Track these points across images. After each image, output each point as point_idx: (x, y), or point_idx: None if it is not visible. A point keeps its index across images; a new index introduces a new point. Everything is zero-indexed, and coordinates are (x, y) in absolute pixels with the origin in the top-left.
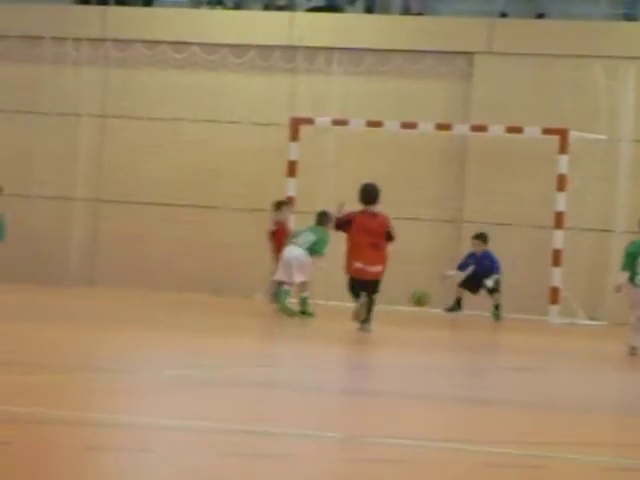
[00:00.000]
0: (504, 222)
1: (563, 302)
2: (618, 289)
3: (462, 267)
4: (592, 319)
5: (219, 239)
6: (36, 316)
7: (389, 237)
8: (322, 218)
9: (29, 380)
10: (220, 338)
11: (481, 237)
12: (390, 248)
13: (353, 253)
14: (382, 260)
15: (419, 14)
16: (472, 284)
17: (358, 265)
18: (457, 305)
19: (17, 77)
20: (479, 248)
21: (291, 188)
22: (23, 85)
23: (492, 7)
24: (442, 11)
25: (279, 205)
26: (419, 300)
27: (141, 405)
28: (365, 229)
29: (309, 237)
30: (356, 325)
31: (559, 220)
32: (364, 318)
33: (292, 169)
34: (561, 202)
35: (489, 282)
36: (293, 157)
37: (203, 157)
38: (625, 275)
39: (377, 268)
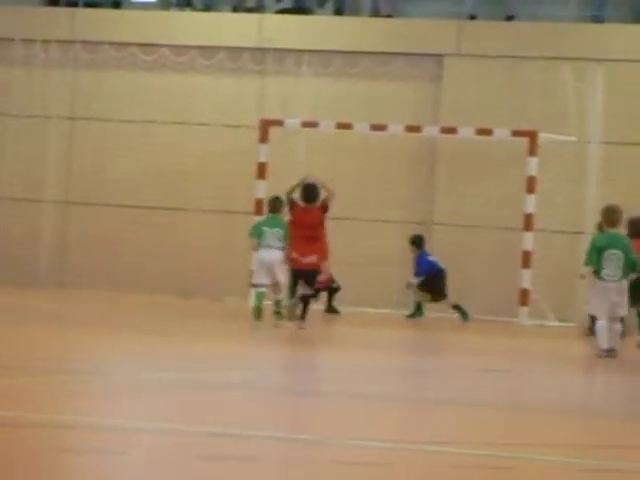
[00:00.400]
0: (474, 224)
1: (533, 304)
2: (582, 277)
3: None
4: (562, 321)
5: (189, 241)
6: (7, 318)
7: (325, 208)
8: (275, 204)
9: (4, 383)
10: (191, 341)
11: (414, 242)
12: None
13: (292, 245)
14: (318, 251)
15: (388, 16)
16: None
17: (294, 256)
18: (418, 310)
19: None
20: (413, 253)
21: (261, 190)
22: None
23: (461, 9)
24: (411, 13)
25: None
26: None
27: (116, 408)
28: (302, 223)
29: (279, 233)
30: (294, 324)
31: (528, 222)
32: (299, 316)
33: (262, 171)
34: (531, 204)
35: (412, 280)
36: (263, 159)
37: (173, 159)
38: (587, 269)
39: (312, 258)
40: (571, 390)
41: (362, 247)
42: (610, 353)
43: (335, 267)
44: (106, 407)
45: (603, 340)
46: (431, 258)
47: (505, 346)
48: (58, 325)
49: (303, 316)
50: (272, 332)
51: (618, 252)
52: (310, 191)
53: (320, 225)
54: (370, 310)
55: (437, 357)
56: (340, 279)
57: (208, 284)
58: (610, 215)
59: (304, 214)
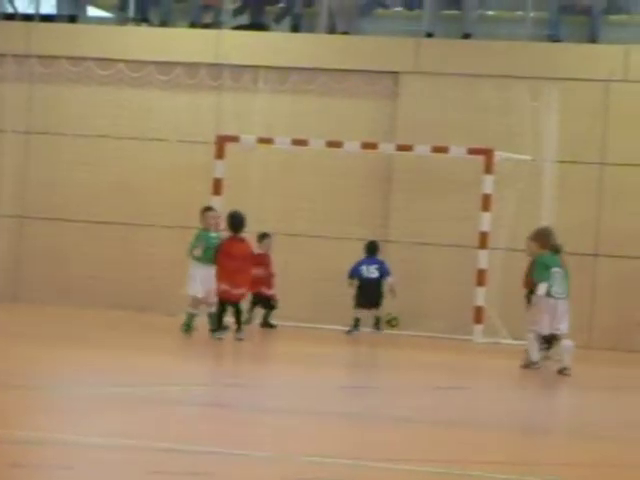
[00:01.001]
0: (429, 242)
1: (487, 322)
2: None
3: None
4: (516, 339)
5: (144, 256)
6: None
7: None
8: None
9: None
10: (143, 356)
11: (365, 248)
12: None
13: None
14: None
15: (345, 33)
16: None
17: (224, 287)
18: (355, 326)
19: None
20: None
21: (217, 206)
22: None
23: (418, 27)
24: (368, 30)
25: (262, 237)
26: (390, 322)
27: (66, 423)
28: (230, 255)
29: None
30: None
31: (484, 240)
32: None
33: (217, 187)
34: (486, 222)
35: None
36: (219, 175)
37: (128, 174)
38: (545, 286)
39: (241, 290)
40: (521, 407)
41: (315, 263)
42: (537, 365)
43: (286, 283)
44: (55, 422)
45: (535, 352)
46: (364, 267)
47: (460, 363)
48: (10, 340)
49: (239, 326)
50: (224, 348)
51: (561, 270)
52: (237, 219)
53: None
54: (318, 326)
55: (389, 374)
56: (292, 295)
57: (163, 299)
58: (549, 236)
59: (235, 246)
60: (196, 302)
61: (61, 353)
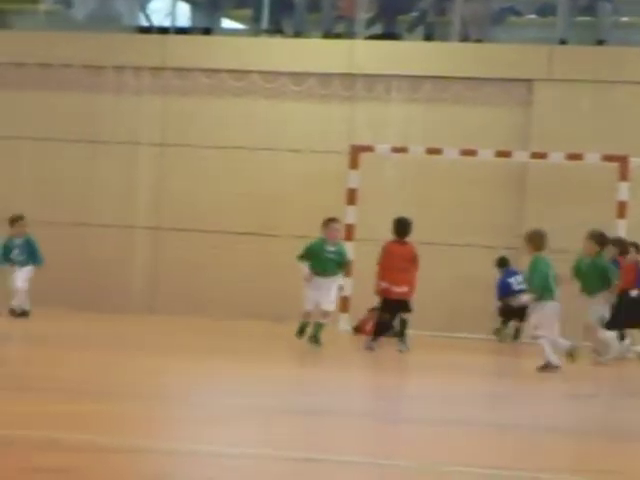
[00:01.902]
0: (565, 249)
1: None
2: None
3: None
4: None
5: (279, 267)
6: (98, 344)
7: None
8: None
9: (95, 409)
10: (279, 366)
11: (498, 264)
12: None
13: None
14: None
15: (478, 41)
16: None
17: (385, 285)
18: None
19: (78, 106)
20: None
21: (351, 215)
22: (84, 114)
23: (551, 34)
24: (501, 38)
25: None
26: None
27: (205, 433)
28: (393, 255)
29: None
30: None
31: None
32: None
33: (352, 197)
34: (622, 229)
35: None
36: (353, 185)
37: (263, 185)
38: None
39: (403, 289)
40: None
41: (450, 271)
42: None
43: (421, 291)
44: (196, 432)
45: (555, 357)
46: (512, 279)
47: (598, 371)
48: (146, 351)
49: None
50: (354, 356)
51: (554, 274)
52: (404, 225)
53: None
54: (455, 335)
55: (526, 382)
56: (426, 303)
57: (298, 309)
58: (544, 239)
59: (398, 248)
60: (306, 314)
61: (197, 364)
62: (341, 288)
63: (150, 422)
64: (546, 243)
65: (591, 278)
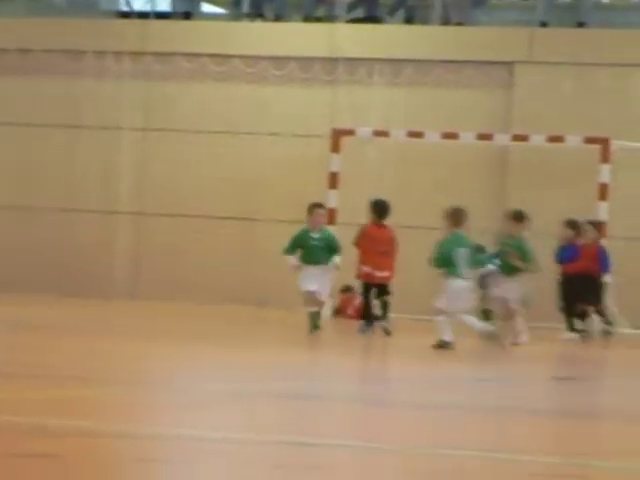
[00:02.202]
0: (546, 231)
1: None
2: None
3: None
4: (636, 328)
5: (262, 251)
6: (79, 329)
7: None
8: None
9: (78, 394)
10: (263, 351)
11: None
12: None
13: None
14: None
15: (459, 24)
16: None
17: (367, 270)
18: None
19: (59, 92)
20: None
21: (333, 199)
22: (65, 100)
23: (532, 16)
24: (482, 21)
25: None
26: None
27: (188, 417)
28: (374, 239)
29: None
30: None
31: (602, 229)
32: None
33: (333, 180)
34: (603, 211)
35: None
36: (334, 168)
37: (245, 169)
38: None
39: (385, 273)
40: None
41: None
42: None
43: (403, 275)
44: (179, 417)
45: (449, 334)
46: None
47: (573, 354)
48: (130, 336)
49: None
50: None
51: (466, 250)
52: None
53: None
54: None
55: (509, 366)
56: (408, 287)
57: (281, 294)
58: (461, 216)
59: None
60: (311, 298)
61: (180, 349)
62: (337, 267)
63: (134, 407)
64: (465, 220)
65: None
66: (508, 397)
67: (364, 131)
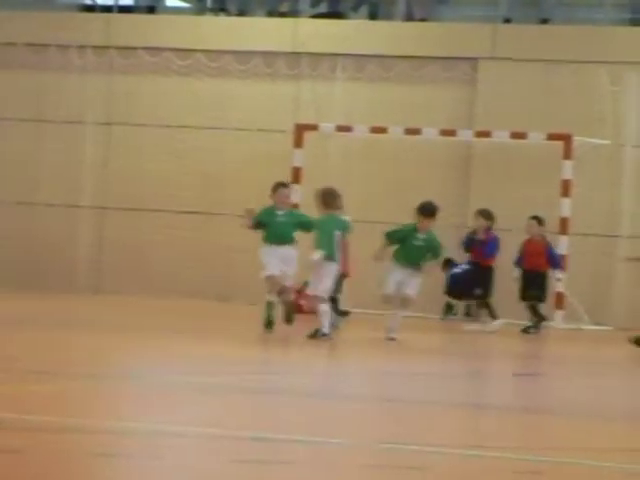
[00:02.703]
0: (508, 227)
1: (568, 307)
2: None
3: None
4: (597, 324)
5: (224, 246)
6: (43, 323)
7: None
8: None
9: (39, 389)
10: (224, 345)
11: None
12: None
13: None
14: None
15: (422, 20)
16: None
17: None
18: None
19: (22, 85)
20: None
21: (296, 194)
22: (28, 93)
23: (496, 12)
24: (445, 17)
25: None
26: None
27: (150, 412)
28: None
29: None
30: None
31: (564, 225)
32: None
33: (297, 175)
34: (566, 207)
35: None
36: (298, 163)
37: (208, 164)
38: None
39: None
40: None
41: None
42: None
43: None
44: (141, 411)
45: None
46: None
47: (538, 350)
48: (93, 330)
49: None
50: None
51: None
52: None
53: None
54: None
55: (472, 362)
56: (373, 282)
57: (242, 288)
58: (332, 198)
59: None
60: (273, 283)
61: (142, 343)
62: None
63: (97, 401)
64: (337, 203)
65: (423, 251)
66: (473, 394)
67: (327, 126)
